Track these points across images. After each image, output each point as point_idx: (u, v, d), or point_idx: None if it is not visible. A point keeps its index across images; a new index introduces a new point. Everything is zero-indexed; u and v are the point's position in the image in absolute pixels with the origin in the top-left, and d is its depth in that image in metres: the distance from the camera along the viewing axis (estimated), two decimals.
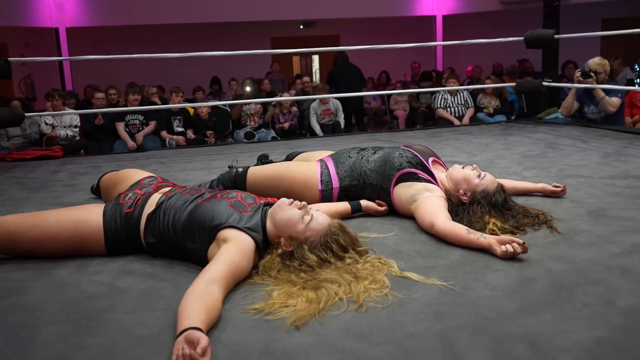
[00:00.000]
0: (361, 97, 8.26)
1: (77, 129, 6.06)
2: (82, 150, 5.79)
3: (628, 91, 5.39)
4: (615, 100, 4.59)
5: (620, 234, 2.02)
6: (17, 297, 1.67)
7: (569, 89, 6.18)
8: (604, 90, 4.59)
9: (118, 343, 1.36)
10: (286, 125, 7.06)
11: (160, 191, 2.05)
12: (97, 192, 2.89)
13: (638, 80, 8.28)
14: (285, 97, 7.31)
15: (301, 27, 12.55)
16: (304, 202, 1.85)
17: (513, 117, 7.33)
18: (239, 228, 1.75)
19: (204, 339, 1.21)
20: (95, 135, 6.32)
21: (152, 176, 2.24)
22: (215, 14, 10.51)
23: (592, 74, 4.55)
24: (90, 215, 1.97)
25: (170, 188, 2.08)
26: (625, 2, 11.14)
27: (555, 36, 5.02)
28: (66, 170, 3.89)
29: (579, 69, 4.69)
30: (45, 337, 1.41)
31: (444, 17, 11.57)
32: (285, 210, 1.81)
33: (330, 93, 7.28)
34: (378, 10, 11.17)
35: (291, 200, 1.85)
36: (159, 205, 1.93)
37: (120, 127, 6.35)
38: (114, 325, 1.46)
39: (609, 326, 1.35)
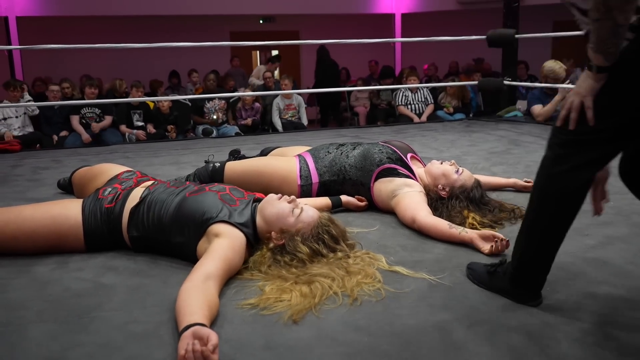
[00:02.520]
0: (339, 92, 8.44)
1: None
2: (37, 145, 5.59)
3: None
4: None
5: (593, 227, 2.10)
6: None
7: (523, 88, 6.40)
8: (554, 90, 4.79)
9: (113, 340, 1.33)
10: (249, 121, 7.01)
11: (141, 185, 2.01)
12: (66, 188, 2.80)
13: None
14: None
15: (261, 21, 12.46)
16: (293, 196, 1.85)
17: (471, 115, 7.50)
18: (231, 223, 1.74)
19: (214, 336, 1.19)
20: (47, 128, 6.10)
21: (131, 170, 2.19)
22: (173, 6, 10.30)
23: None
24: (68, 211, 1.91)
25: (152, 182, 2.04)
26: None
27: (516, 36, 5.16)
28: (26, 165, 3.75)
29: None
30: (35, 336, 1.36)
31: (403, 15, 11.71)
32: (274, 205, 1.81)
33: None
34: (338, 7, 11.20)
35: (280, 195, 1.85)
36: (143, 199, 1.89)
37: (75, 120, 6.13)
38: (105, 322, 1.43)
39: (594, 316, 1.42)
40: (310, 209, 1.82)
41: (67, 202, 2.00)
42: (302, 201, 2.25)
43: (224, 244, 1.65)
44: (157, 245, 1.86)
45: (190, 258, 1.75)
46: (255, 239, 1.80)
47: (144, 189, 1.96)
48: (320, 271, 1.62)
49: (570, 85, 4.83)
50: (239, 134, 6.32)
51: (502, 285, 1.52)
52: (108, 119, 6.19)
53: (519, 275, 1.48)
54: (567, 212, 1.40)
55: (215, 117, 6.77)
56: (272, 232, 1.76)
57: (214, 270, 1.53)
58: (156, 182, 2.03)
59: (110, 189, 1.99)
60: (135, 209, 1.88)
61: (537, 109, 4.98)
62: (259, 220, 1.82)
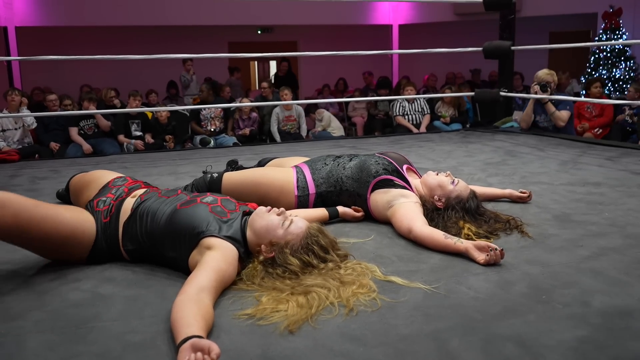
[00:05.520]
0: None
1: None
2: (36, 155, 5.60)
3: (575, 102, 5.65)
4: (565, 114, 4.82)
5: (587, 238, 2.12)
6: None
7: (520, 99, 6.44)
8: (555, 102, 4.82)
9: (111, 350, 1.34)
10: (247, 131, 7.04)
11: (132, 195, 2.01)
12: (64, 197, 2.80)
13: (584, 92, 8.67)
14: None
15: (259, 32, 12.54)
16: (282, 209, 1.85)
17: (468, 126, 7.54)
18: (221, 237, 1.74)
19: (215, 347, 1.20)
20: (45, 136, 6.14)
21: (121, 176, 2.18)
22: (172, 17, 10.38)
23: (547, 88, 4.75)
24: (86, 223, 1.89)
25: (144, 190, 2.04)
26: (571, 16, 11.65)
27: (512, 48, 5.21)
28: (25, 175, 3.77)
29: (536, 82, 4.88)
30: (33, 346, 1.37)
31: (400, 27, 11.79)
32: (264, 217, 1.81)
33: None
34: (336, 18, 11.28)
35: (269, 207, 1.85)
36: (134, 211, 1.90)
37: (74, 132, 6.19)
38: (103, 332, 1.43)
39: (588, 326, 1.43)
40: (300, 220, 1.81)
41: (83, 212, 1.96)
42: (299, 212, 2.27)
43: (216, 256, 1.66)
44: (152, 257, 1.88)
45: (184, 271, 1.76)
46: (246, 252, 1.80)
47: (135, 198, 1.96)
48: (316, 282, 1.63)
49: (562, 97, 4.87)
50: (236, 144, 6.34)
51: None
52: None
53: None
54: None
55: (212, 128, 6.81)
56: (262, 245, 1.77)
57: (206, 282, 1.53)
58: (148, 190, 2.03)
59: (104, 201, 1.99)
60: (127, 223, 1.89)
61: (522, 116, 5.11)
62: (249, 233, 1.82)
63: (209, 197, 1.94)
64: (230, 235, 1.77)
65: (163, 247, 1.82)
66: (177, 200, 1.91)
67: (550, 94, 4.79)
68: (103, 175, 2.22)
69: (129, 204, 1.95)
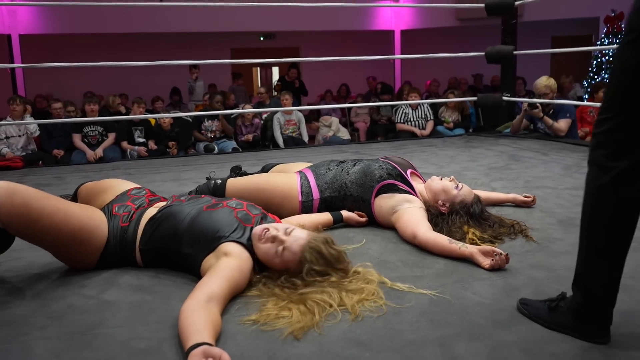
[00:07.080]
0: None
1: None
2: (40, 162, 5.62)
3: (577, 107, 5.65)
4: (563, 124, 4.84)
5: None
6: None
7: (522, 103, 6.46)
8: (555, 109, 4.85)
9: (116, 357, 1.34)
10: (249, 137, 7.05)
11: (155, 206, 2.01)
12: None
13: (587, 96, 8.67)
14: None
15: (261, 38, 12.58)
16: (274, 233, 1.74)
17: (471, 130, 7.54)
18: (243, 244, 1.74)
19: (227, 356, 1.20)
20: (49, 143, 6.15)
21: (140, 187, 2.18)
22: (174, 23, 10.41)
23: (538, 105, 4.82)
24: (96, 219, 1.89)
25: (165, 202, 2.04)
26: (573, 21, 11.66)
27: (514, 52, 5.22)
28: (29, 182, 3.77)
29: (526, 104, 4.97)
30: (39, 352, 1.37)
31: (402, 32, 11.82)
32: (260, 248, 1.76)
33: None
34: (338, 24, 11.31)
35: (262, 230, 1.77)
36: (159, 212, 1.90)
37: (77, 138, 6.18)
38: (109, 339, 1.43)
39: None
40: (294, 242, 1.73)
41: (96, 211, 1.96)
42: (304, 217, 2.28)
43: (231, 264, 1.65)
44: (167, 256, 1.87)
45: (194, 271, 1.76)
46: (259, 265, 1.79)
47: (157, 209, 1.96)
48: (313, 289, 1.62)
49: (555, 101, 4.89)
50: (236, 149, 6.35)
51: (565, 321, 1.41)
52: (111, 137, 6.23)
53: (586, 309, 1.38)
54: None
55: (212, 136, 6.83)
56: (270, 272, 1.77)
57: (217, 290, 1.53)
58: (169, 201, 2.03)
59: (123, 207, 1.99)
60: (150, 222, 1.89)
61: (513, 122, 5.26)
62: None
63: (234, 202, 1.94)
64: (250, 244, 1.77)
65: (181, 244, 1.81)
66: (204, 202, 1.92)
67: (549, 101, 4.82)
68: (121, 184, 2.21)
69: (150, 212, 1.95)
